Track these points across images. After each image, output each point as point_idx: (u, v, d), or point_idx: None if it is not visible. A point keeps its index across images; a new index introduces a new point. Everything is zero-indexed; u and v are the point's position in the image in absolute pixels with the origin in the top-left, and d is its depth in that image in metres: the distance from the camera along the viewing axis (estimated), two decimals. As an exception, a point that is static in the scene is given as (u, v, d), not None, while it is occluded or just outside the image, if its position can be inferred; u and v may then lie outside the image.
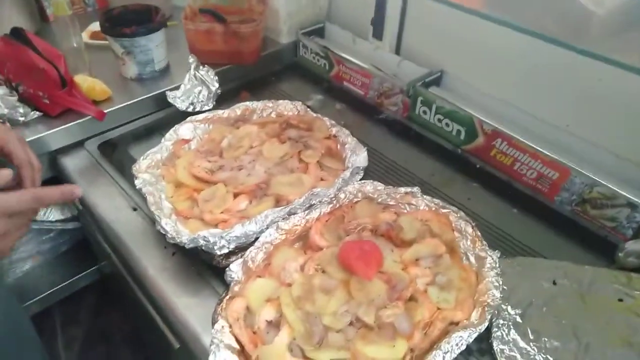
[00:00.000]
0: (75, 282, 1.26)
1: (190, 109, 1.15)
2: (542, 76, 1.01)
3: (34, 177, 0.73)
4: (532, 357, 0.70)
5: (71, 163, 1.06)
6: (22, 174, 0.72)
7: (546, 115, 1.02)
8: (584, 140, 0.97)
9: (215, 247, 0.77)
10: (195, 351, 0.75)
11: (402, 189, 0.90)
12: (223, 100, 1.22)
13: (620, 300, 0.78)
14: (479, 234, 0.81)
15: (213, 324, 0.70)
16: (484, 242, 0.80)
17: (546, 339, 0.72)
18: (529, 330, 0.73)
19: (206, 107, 1.17)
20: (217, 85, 1.20)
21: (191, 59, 1.19)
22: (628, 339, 0.73)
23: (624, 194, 0.87)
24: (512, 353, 0.70)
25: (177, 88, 1.17)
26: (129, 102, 1.17)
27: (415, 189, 0.89)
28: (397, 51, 1.30)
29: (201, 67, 1.20)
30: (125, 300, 1.30)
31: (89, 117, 1.09)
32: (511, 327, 0.73)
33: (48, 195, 0.63)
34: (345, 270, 0.75)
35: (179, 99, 1.15)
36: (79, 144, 1.10)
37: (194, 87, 1.17)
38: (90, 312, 1.46)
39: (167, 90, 1.16)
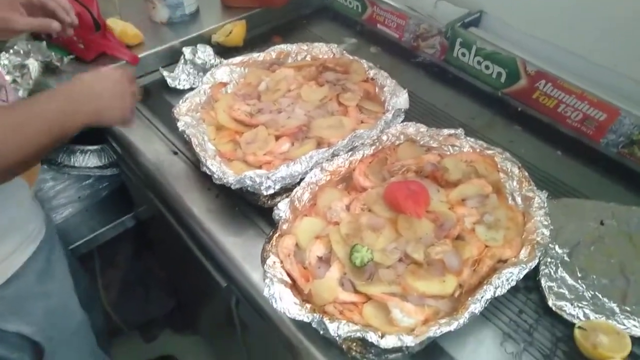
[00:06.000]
0: (113, 228, 1.29)
1: None
2: (587, 11, 0.96)
3: (71, 17, 0.89)
4: (580, 293, 0.70)
5: (108, 108, 1.06)
6: (60, 16, 0.87)
7: (592, 55, 0.98)
8: (633, 80, 0.93)
9: (262, 188, 0.77)
10: (244, 287, 0.76)
11: (445, 131, 0.88)
12: (255, 44, 1.20)
13: (669, 240, 0.77)
14: (526, 174, 0.80)
15: (263, 260, 0.71)
16: (532, 183, 0.79)
17: (594, 277, 0.72)
18: (577, 268, 0.73)
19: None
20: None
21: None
22: (677, 277, 0.72)
23: (677, 134, 0.85)
24: (561, 290, 0.71)
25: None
26: (161, 47, 1.15)
27: (459, 131, 0.88)
28: (434, -9, 1.25)
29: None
30: (164, 245, 1.33)
31: (123, 62, 1.08)
32: (559, 265, 0.73)
33: None
34: (391, 210, 0.75)
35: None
36: (114, 90, 1.09)
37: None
38: (126, 257, 1.51)
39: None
